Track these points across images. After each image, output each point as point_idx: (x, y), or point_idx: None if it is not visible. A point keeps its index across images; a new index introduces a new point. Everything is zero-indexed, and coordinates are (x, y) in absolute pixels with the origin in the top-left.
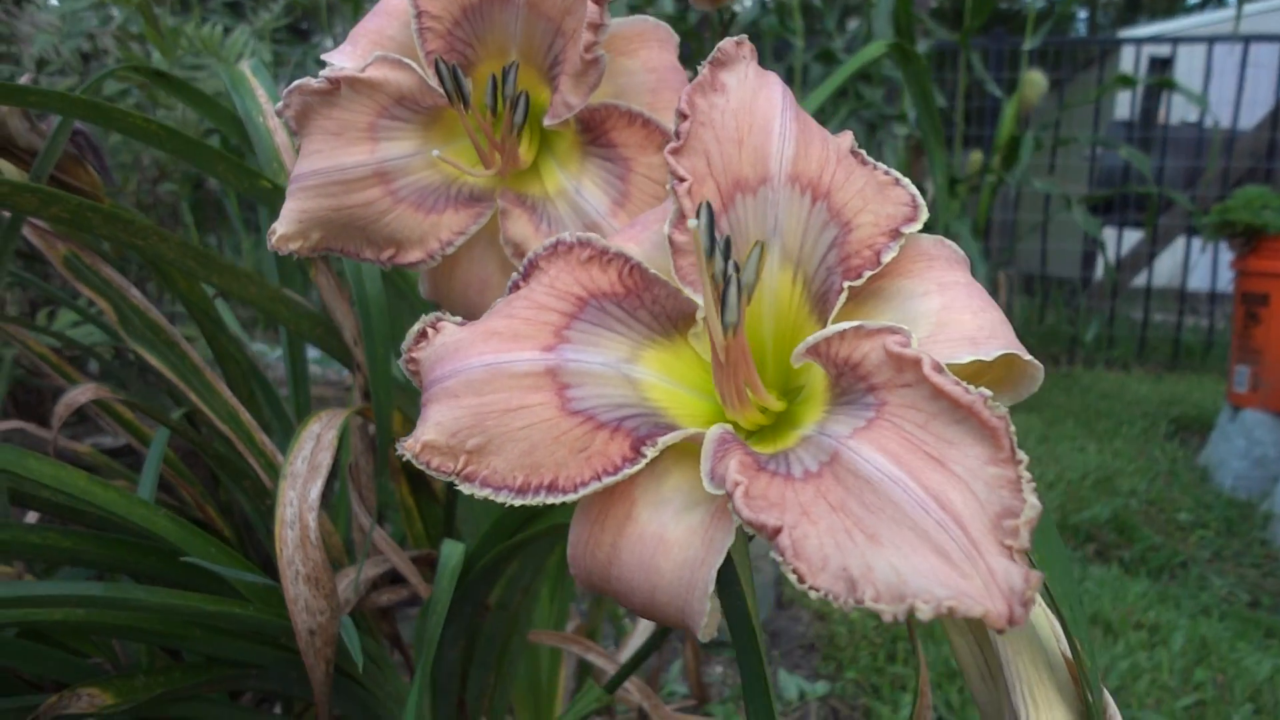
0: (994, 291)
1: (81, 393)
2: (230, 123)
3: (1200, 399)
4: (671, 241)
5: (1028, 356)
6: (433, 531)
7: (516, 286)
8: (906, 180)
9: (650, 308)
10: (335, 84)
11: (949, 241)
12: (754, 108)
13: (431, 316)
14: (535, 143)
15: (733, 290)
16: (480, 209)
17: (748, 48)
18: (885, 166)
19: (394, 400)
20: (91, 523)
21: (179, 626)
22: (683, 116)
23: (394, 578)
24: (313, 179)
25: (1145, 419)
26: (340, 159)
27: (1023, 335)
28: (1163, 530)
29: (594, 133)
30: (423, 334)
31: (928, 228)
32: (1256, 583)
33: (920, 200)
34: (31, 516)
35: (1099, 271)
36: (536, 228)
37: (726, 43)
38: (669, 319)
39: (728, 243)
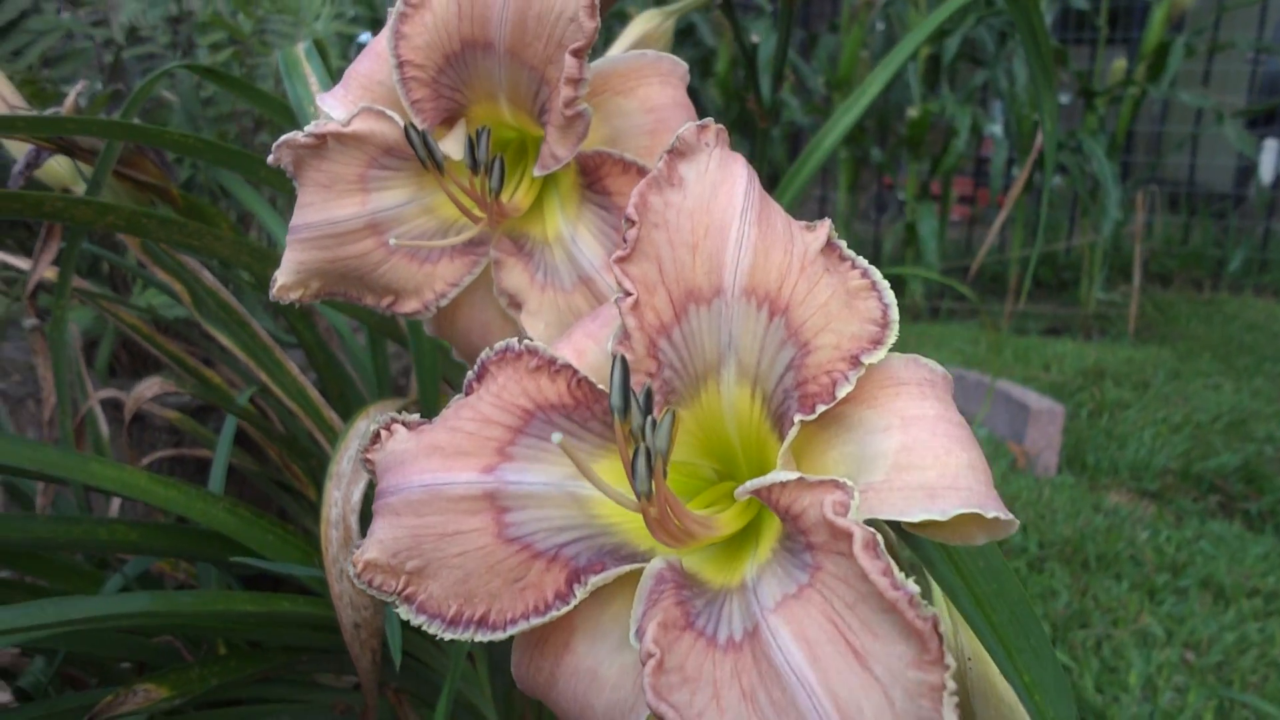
0: (1131, 210)
1: (148, 388)
2: (284, 112)
3: None
4: (615, 358)
5: (995, 513)
6: None
7: (470, 387)
8: (882, 285)
9: (602, 418)
10: (322, 139)
11: (925, 362)
12: (712, 207)
13: (386, 418)
14: (535, 185)
15: (641, 461)
16: (475, 257)
17: (712, 132)
18: (863, 266)
19: (440, 375)
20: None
21: (231, 622)
22: (630, 222)
23: None
24: (306, 231)
25: None
26: (332, 212)
27: (1164, 257)
28: None
29: (590, 177)
30: (377, 436)
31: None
32: None
33: (892, 315)
34: (115, 504)
35: (1254, 189)
36: (532, 278)
37: (688, 130)
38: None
39: (648, 397)
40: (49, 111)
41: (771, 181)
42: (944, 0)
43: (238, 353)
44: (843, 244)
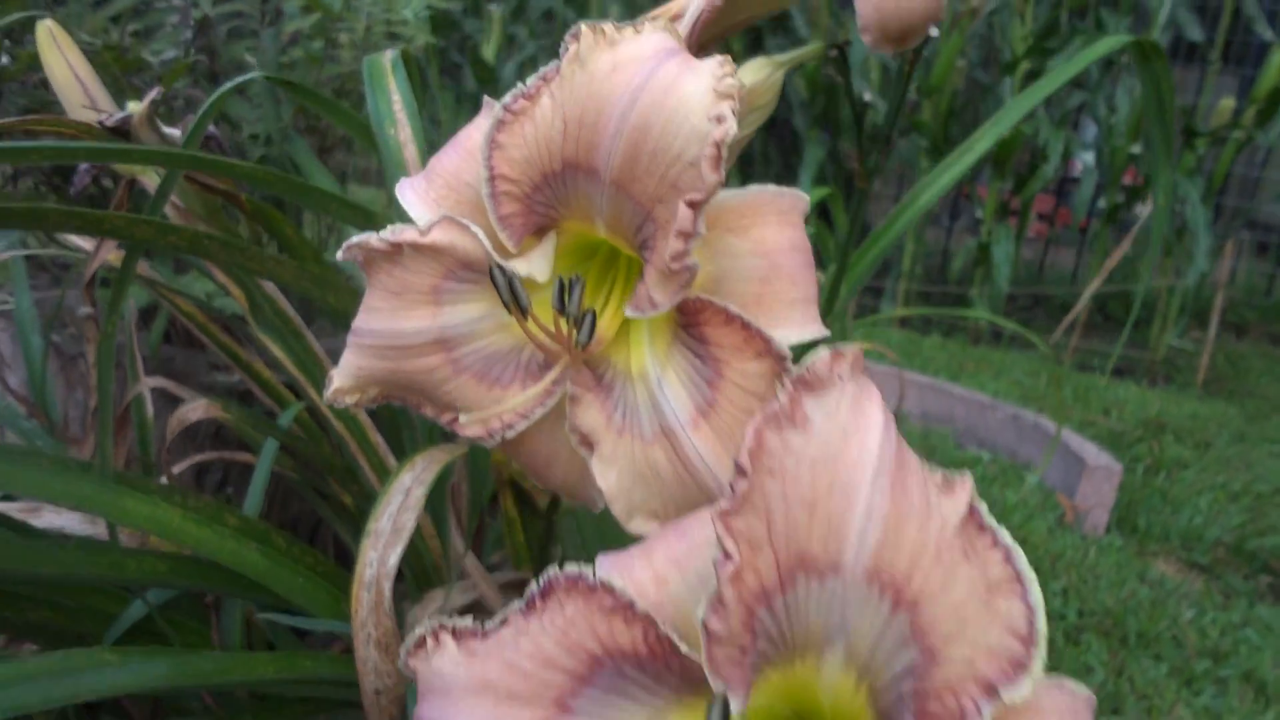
0: (1218, 256)
1: (192, 410)
2: (363, 131)
3: None
4: (705, 627)
5: None
6: (534, 545)
7: (533, 605)
8: (1027, 578)
9: (680, 673)
10: (397, 247)
11: (1072, 689)
12: (840, 460)
13: (433, 623)
14: (620, 308)
15: None
16: (551, 388)
17: (847, 363)
18: (1005, 544)
19: None
20: None
21: (252, 683)
22: (741, 472)
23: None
24: (370, 338)
25: None
26: (399, 323)
27: (1242, 307)
28: None
29: (688, 319)
30: (421, 642)
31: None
32: None
33: (1039, 625)
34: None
35: None
36: (609, 418)
37: (820, 361)
38: (703, 683)
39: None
40: (115, 118)
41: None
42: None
43: (288, 364)
44: (982, 509)
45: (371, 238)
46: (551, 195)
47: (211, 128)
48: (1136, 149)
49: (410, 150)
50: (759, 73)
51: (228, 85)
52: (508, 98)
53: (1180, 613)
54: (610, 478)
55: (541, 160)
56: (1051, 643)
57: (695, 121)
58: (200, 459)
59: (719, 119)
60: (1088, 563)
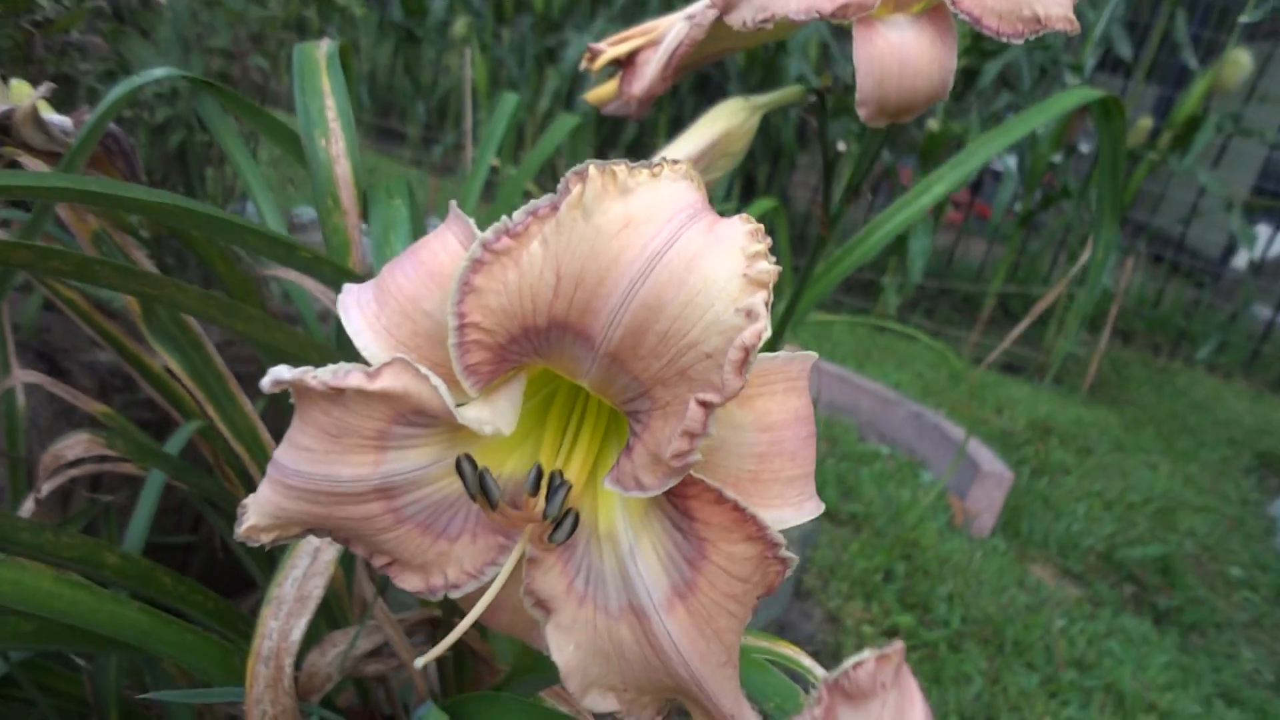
0: (1119, 268)
1: (69, 447)
2: (291, 142)
3: None
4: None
5: None
6: None
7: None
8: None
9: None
10: (339, 391)
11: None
12: None
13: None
14: (592, 452)
15: None
16: (505, 544)
17: (892, 666)
18: None
19: None
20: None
21: None
22: None
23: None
24: (298, 479)
25: (1230, 446)
26: (335, 468)
27: (1131, 316)
28: (1209, 583)
29: (674, 490)
30: None
31: None
32: None
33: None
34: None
35: (1248, 265)
36: (570, 584)
37: (865, 667)
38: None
39: None
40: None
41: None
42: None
43: (185, 378)
44: None
45: (308, 377)
46: (530, 347)
47: (112, 125)
48: (1057, 158)
49: (343, 166)
50: (734, 118)
51: (122, 89)
52: (489, 233)
53: (1053, 621)
54: (567, 650)
55: (524, 313)
56: (934, 650)
57: (719, 311)
58: (80, 472)
59: (749, 314)
60: (973, 567)
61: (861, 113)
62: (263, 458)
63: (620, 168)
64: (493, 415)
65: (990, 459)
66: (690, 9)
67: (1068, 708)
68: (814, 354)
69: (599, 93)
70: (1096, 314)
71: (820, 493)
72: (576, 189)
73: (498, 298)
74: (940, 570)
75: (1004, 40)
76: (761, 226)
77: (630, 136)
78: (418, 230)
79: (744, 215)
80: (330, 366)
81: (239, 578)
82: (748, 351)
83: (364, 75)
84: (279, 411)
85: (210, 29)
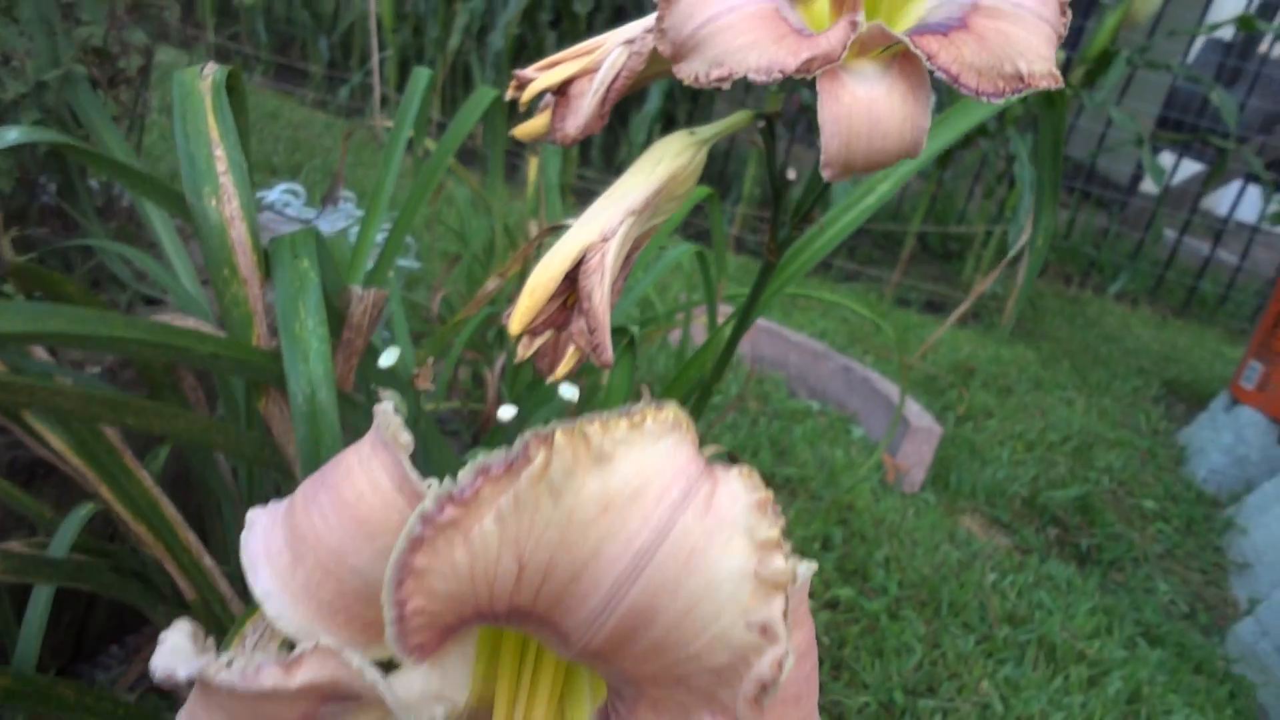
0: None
1: None
2: (175, 201)
3: (1198, 360)
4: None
5: None
6: None
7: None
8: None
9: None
10: (252, 694)
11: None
12: None
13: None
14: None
15: None
16: None
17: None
18: None
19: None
20: None
21: None
22: None
23: None
24: None
25: (1140, 376)
26: None
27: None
28: (1126, 517)
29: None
30: None
31: None
32: (1198, 591)
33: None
34: None
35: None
36: None
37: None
38: None
39: None
40: None
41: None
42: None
43: (69, 455)
44: None
45: (210, 672)
46: (489, 622)
47: None
48: None
49: (239, 229)
50: (678, 158)
51: None
52: (429, 503)
53: (985, 576)
54: None
55: (478, 599)
56: (876, 621)
57: (726, 624)
58: None
59: (765, 630)
60: (907, 527)
61: (825, 174)
62: (170, 537)
63: (594, 427)
64: (441, 684)
65: (919, 413)
66: (628, 31)
67: (1004, 667)
68: (813, 565)
69: (529, 128)
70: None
71: (755, 457)
72: (540, 458)
73: (444, 582)
74: (876, 533)
75: (984, 100)
76: (770, 495)
77: None
78: (331, 288)
79: (746, 471)
80: (237, 663)
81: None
82: (766, 687)
83: (260, 8)
84: (181, 477)
85: (80, 2)
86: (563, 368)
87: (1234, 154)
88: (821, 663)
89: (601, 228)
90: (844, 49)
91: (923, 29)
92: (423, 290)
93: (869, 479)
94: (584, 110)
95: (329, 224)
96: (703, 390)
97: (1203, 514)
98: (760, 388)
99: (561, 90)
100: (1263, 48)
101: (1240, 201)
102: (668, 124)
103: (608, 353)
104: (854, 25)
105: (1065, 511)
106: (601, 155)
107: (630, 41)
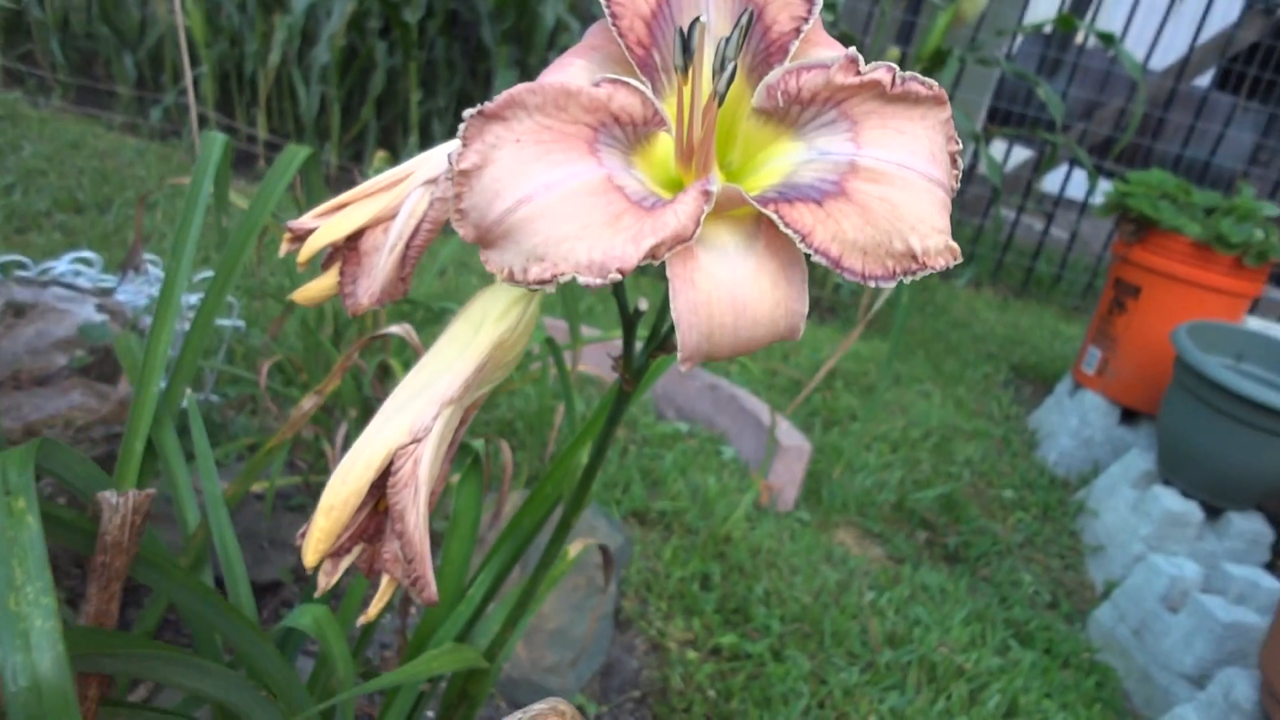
0: None
1: None
2: None
3: (1039, 341)
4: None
5: None
6: None
7: None
8: None
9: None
10: None
11: None
12: None
13: None
14: None
15: None
16: None
17: None
18: None
19: None
20: None
21: None
22: None
23: None
24: None
25: (989, 361)
26: None
27: None
28: (988, 509)
29: None
30: None
31: None
32: (1059, 578)
33: None
34: None
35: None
36: None
37: None
38: None
39: None
40: None
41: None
42: None
43: None
44: None
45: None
46: None
47: None
48: None
49: None
50: (503, 321)
51: None
52: None
53: (863, 597)
54: None
55: None
56: (761, 665)
57: None
58: None
59: None
60: (785, 553)
61: (683, 367)
62: None
63: None
64: None
65: (788, 430)
66: (428, 169)
67: (889, 696)
68: None
69: (310, 291)
70: None
71: (627, 492)
72: None
73: None
74: (754, 564)
75: (872, 284)
76: None
77: (378, 89)
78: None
79: None
80: None
81: None
82: None
83: (54, 25)
84: None
85: None
86: (376, 606)
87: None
88: None
89: (412, 424)
90: (698, 226)
91: (791, 193)
92: (245, 349)
93: (742, 504)
94: (381, 274)
95: (131, 294)
96: (561, 526)
97: (1057, 499)
98: (628, 413)
99: (351, 246)
100: (1078, 39)
101: (1068, 183)
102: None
103: (430, 589)
104: (707, 195)
105: (932, 512)
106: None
107: (432, 182)
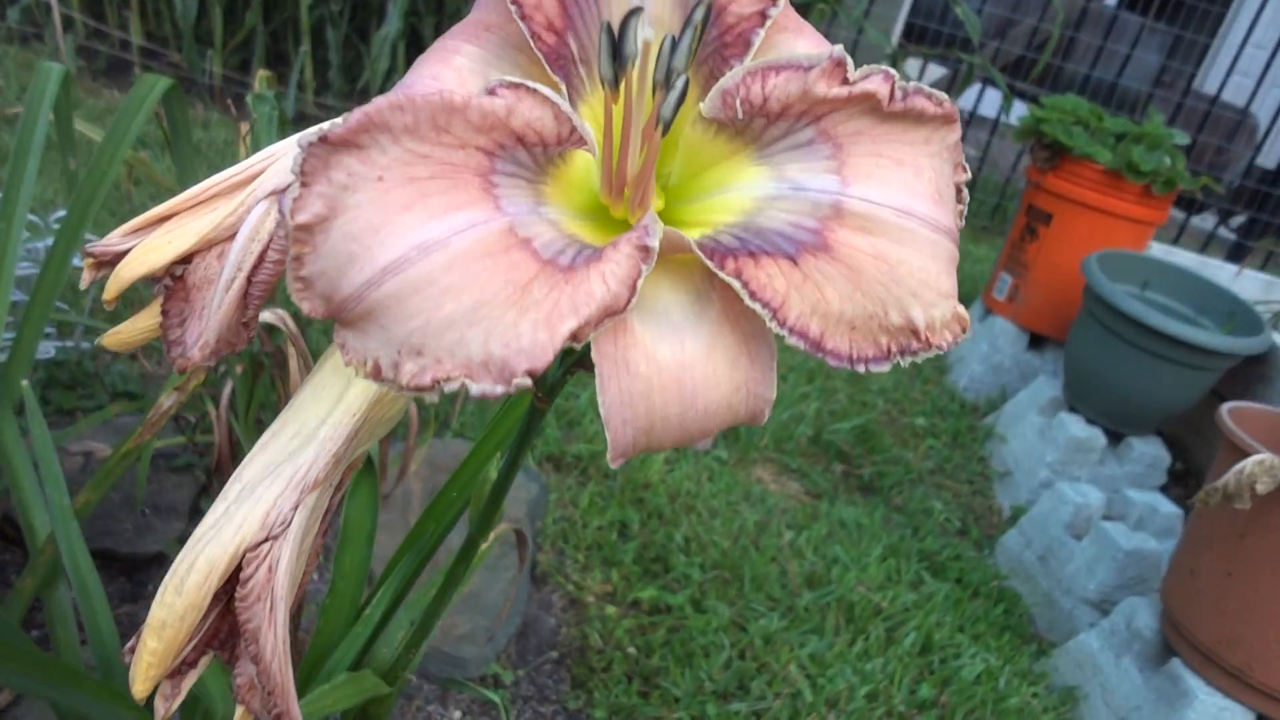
0: None
1: None
2: None
3: None
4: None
5: None
6: None
7: None
8: None
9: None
10: None
11: None
12: None
13: None
14: None
15: None
16: None
17: None
18: None
19: None
20: None
21: None
22: None
23: None
24: None
25: None
26: None
27: None
28: (900, 438)
29: None
30: None
31: None
32: (967, 502)
33: None
34: None
35: None
36: None
37: None
38: None
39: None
40: None
41: None
42: None
43: None
44: None
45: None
46: None
47: None
48: None
49: None
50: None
51: None
52: None
53: (782, 537)
54: None
55: None
56: (682, 617)
57: None
58: None
59: None
60: (703, 496)
61: (614, 464)
62: None
63: None
64: None
65: None
66: (277, 172)
67: (809, 641)
68: None
69: (122, 335)
70: None
71: (541, 435)
72: None
73: None
74: (673, 509)
75: (861, 368)
76: None
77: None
78: None
79: None
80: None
81: None
82: None
83: None
84: None
85: None
86: None
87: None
88: (630, 679)
89: (265, 516)
90: (633, 293)
91: (755, 242)
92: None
93: None
94: (213, 312)
95: None
96: (468, 545)
97: (966, 425)
98: None
99: (176, 278)
100: None
101: (981, 101)
102: (414, 42)
103: None
104: (646, 252)
105: (848, 443)
106: (342, 76)
107: (278, 193)
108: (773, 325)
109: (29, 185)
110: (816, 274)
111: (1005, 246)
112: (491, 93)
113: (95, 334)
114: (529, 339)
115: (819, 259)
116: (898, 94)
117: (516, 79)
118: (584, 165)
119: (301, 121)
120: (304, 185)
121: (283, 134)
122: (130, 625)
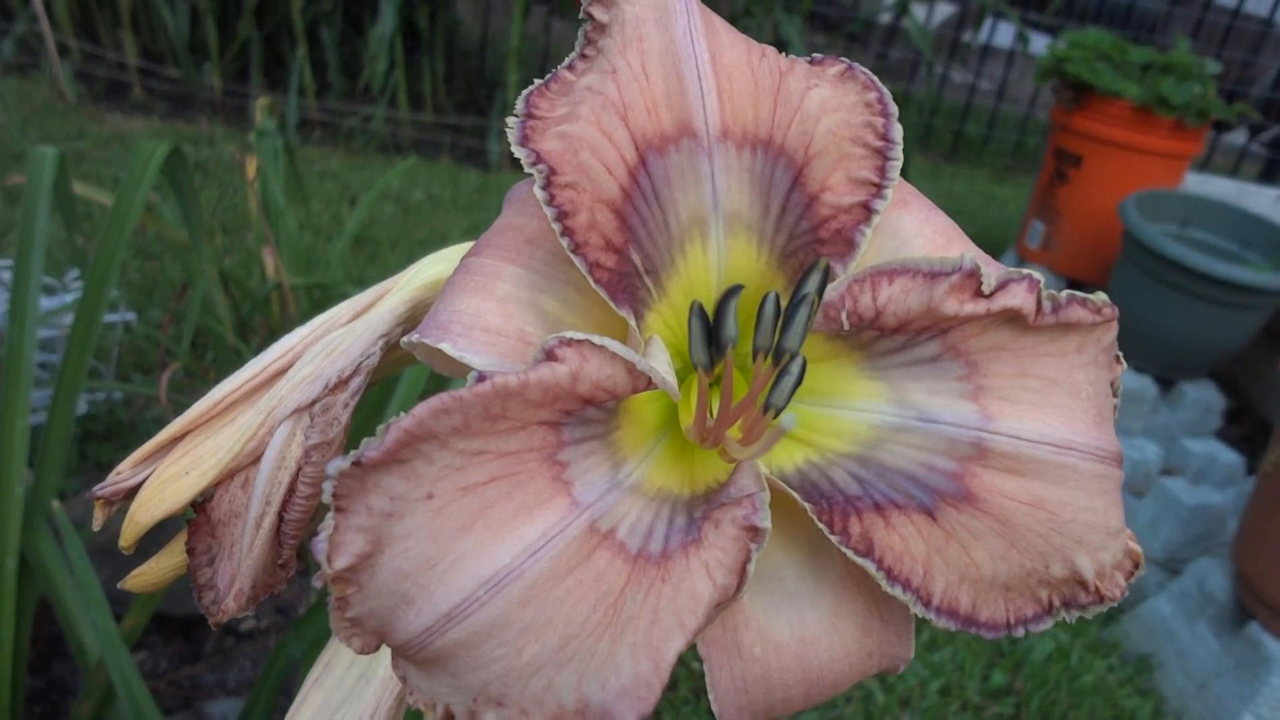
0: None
1: None
2: None
3: (974, 209)
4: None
5: None
6: None
7: None
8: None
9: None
10: None
11: None
12: None
13: None
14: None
15: None
16: None
17: None
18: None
19: None
20: None
21: None
22: None
23: None
24: None
25: None
26: None
27: None
28: None
29: None
30: None
31: None
32: None
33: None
34: None
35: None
36: None
37: None
38: None
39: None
40: None
41: None
42: None
43: None
44: None
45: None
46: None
47: None
48: None
49: None
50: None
51: None
52: None
53: None
54: None
55: None
56: None
57: None
58: None
59: None
60: None
61: None
62: None
63: None
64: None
65: None
66: (299, 384)
67: None
68: None
69: (146, 577)
70: None
71: None
72: None
73: None
74: None
75: (1023, 632)
76: None
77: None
78: None
79: None
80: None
81: None
82: None
83: None
84: None
85: None
86: None
87: None
88: (698, 696)
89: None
90: (744, 579)
91: (879, 490)
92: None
93: None
94: (244, 553)
95: None
96: None
97: None
98: None
99: (200, 510)
100: None
101: (994, 33)
102: (410, 38)
103: None
104: (756, 533)
105: None
106: (341, 76)
107: (309, 409)
108: (917, 609)
109: (35, 286)
110: (961, 531)
111: (1035, 192)
112: (550, 356)
113: (125, 380)
114: (630, 673)
115: (962, 512)
116: (1046, 306)
117: (579, 335)
118: (649, 396)
119: (304, 128)
120: (340, 513)
121: (289, 161)
122: (192, 688)
